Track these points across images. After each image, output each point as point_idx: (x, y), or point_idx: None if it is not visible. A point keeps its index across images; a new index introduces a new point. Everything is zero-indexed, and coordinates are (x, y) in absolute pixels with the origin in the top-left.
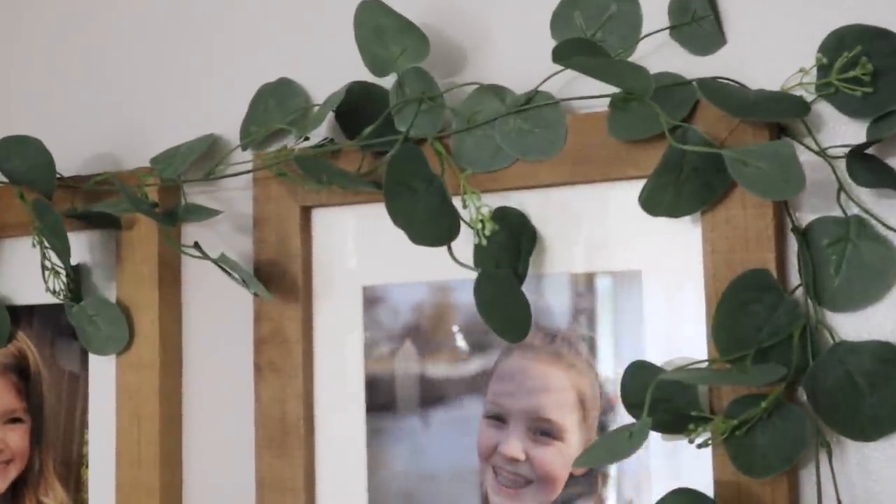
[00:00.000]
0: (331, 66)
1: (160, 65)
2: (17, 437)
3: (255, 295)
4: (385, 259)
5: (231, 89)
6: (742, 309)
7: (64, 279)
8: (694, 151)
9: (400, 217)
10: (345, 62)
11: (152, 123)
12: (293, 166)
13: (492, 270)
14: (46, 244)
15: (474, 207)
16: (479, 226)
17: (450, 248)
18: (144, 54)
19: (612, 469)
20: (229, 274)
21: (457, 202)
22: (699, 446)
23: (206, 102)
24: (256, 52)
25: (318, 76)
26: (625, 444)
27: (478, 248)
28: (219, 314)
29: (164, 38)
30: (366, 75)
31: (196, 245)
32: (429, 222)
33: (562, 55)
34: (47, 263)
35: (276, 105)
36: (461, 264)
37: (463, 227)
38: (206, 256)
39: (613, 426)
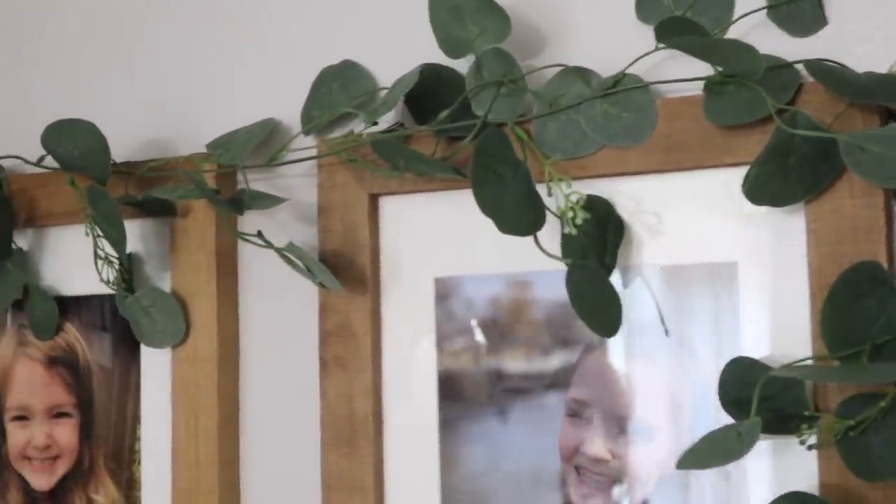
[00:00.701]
0: (395, 47)
1: (214, 46)
2: (65, 433)
3: (321, 286)
4: (458, 250)
5: (289, 72)
6: (852, 304)
7: (117, 269)
8: (803, 137)
9: (487, 204)
10: (409, 43)
11: (204, 107)
12: (362, 152)
13: (582, 262)
14: (99, 233)
15: (562, 195)
16: (570, 214)
17: (536, 238)
18: (198, 36)
19: (705, 470)
20: (292, 264)
21: (538, 189)
22: (810, 447)
23: (262, 86)
24: (315, 33)
25: (382, 58)
26: (734, 444)
27: (566, 238)
28: (277, 306)
29: (218, 18)
30: (433, 57)
31: (259, 234)
32: (516, 210)
33: (665, 34)
34: (100, 253)
35: (340, 88)
36: (549, 255)
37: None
38: (270, 245)
39: (706, 425)
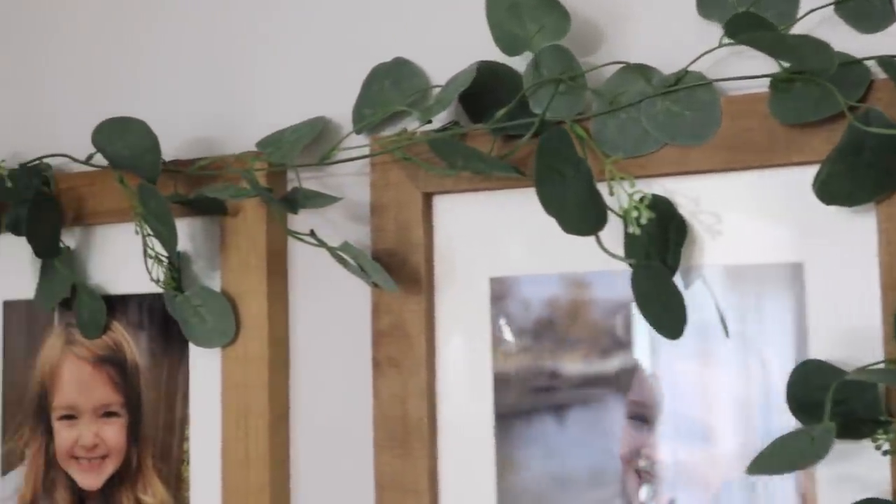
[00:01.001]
0: (447, 45)
1: (262, 44)
2: (113, 432)
3: (374, 286)
4: (514, 249)
5: (338, 70)
6: None
7: (167, 268)
8: (875, 135)
9: (550, 204)
10: (461, 41)
11: (251, 106)
12: (416, 150)
13: (647, 262)
14: (149, 231)
15: (625, 194)
16: (634, 213)
17: (598, 238)
18: (246, 33)
19: (768, 478)
20: (345, 264)
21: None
22: (885, 453)
23: (310, 84)
24: (365, 30)
25: (433, 56)
26: (808, 449)
27: (630, 238)
28: (328, 306)
29: (266, 16)
30: (485, 54)
31: (312, 233)
32: (578, 210)
33: (735, 30)
34: (149, 251)
35: (393, 86)
36: (612, 255)
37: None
38: (324, 245)
39: (774, 430)
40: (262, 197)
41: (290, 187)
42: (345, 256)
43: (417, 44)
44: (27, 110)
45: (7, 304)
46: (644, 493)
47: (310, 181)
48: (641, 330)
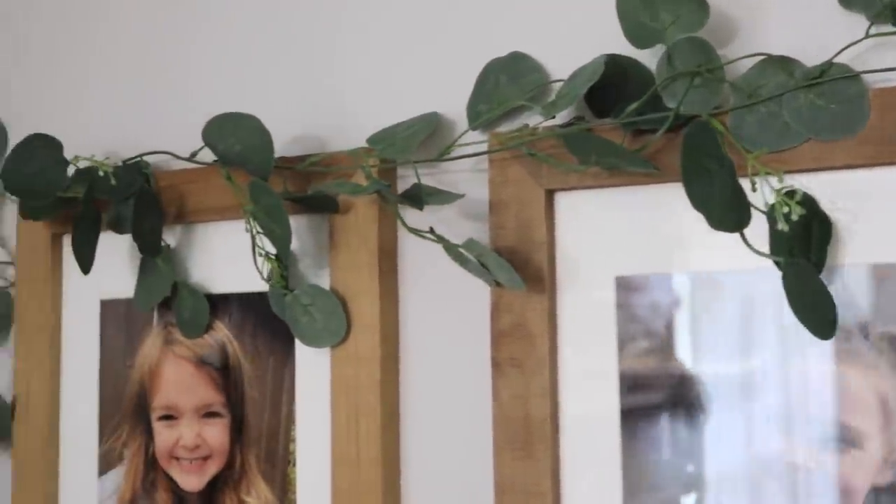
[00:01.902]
0: (564, 39)
1: (370, 39)
2: (215, 433)
3: (496, 284)
4: (640, 247)
5: (447, 65)
6: None
7: (276, 266)
8: None
9: (698, 200)
10: (578, 34)
11: (358, 103)
12: (538, 146)
13: (795, 260)
14: (258, 229)
15: (772, 190)
16: (784, 209)
17: (743, 235)
18: (354, 28)
19: None
20: (463, 262)
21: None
22: None
23: (419, 80)
24: (477, 25)
25: (550, 51)
26: None
27: (776, 235)
28: (439, 305)
29: (374, 13)
30: (605, 48)
31: (431, 230)
32: (724, 206)
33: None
34: (258, 249)
35: (510, 82)
36: (758, 252)
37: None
38: (445, 242)
39: None
40: (383, 193)
41: (400, 184)
42: (466, 254)
43: (533, 38)
44: (128, 108)
45: (104, 303)
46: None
47: (424, 178)
48: (776, 330)
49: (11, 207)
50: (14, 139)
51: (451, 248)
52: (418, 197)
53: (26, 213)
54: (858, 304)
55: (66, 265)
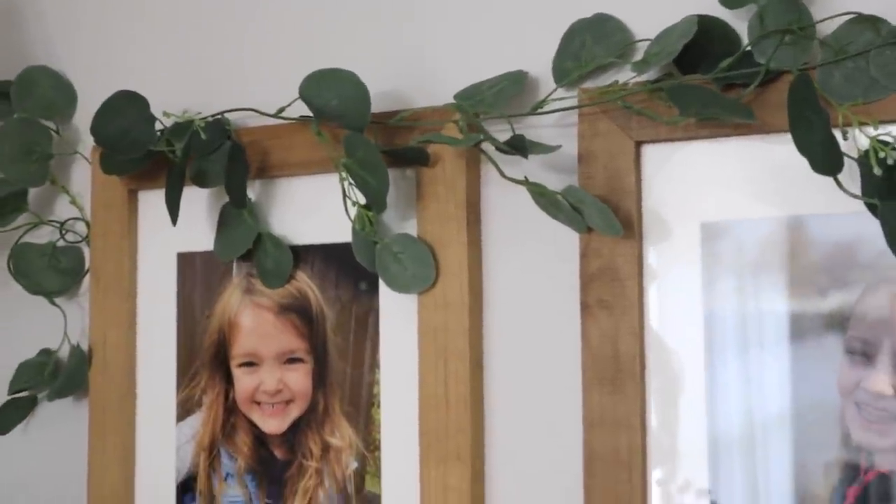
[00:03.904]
0: (645, 1)
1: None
2: (297, 378)
3: (588, 230)
4: (725, 195)
5: (529, 25)
6: None
7: (367, 217)
8: None
9: (804, 146)
10: None
11: (441, 60)
12: (630, 100)
13: (889, 202)
14: (351, 181)
15: (865, 138)
16: (881, 154)
17: (837, 180)
18: None
19: None
20: (556, 210)
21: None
22: None
23: (501, 39)
24: None
25: (633, 12)
26: None
27: (869, 180)
28: (523, 253)
29: None
30: (689, 9)
31: (526, 179)
32: (823, 151)
33: None
34: (350, 200)
35: (596, 42)
36: (853, 195)
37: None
38: (544, 190)
39: None
40: (491, 143)
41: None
42: (562, 201)
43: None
44: (204, 66)
45: (181, 255)
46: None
47: (506, 133)
48: (861, 269)
49: (79, 164)
50: (85, 98)
51: (547, 195)
52: (523, 146)
53: (110, 168)
54: None
55: (142, 219)
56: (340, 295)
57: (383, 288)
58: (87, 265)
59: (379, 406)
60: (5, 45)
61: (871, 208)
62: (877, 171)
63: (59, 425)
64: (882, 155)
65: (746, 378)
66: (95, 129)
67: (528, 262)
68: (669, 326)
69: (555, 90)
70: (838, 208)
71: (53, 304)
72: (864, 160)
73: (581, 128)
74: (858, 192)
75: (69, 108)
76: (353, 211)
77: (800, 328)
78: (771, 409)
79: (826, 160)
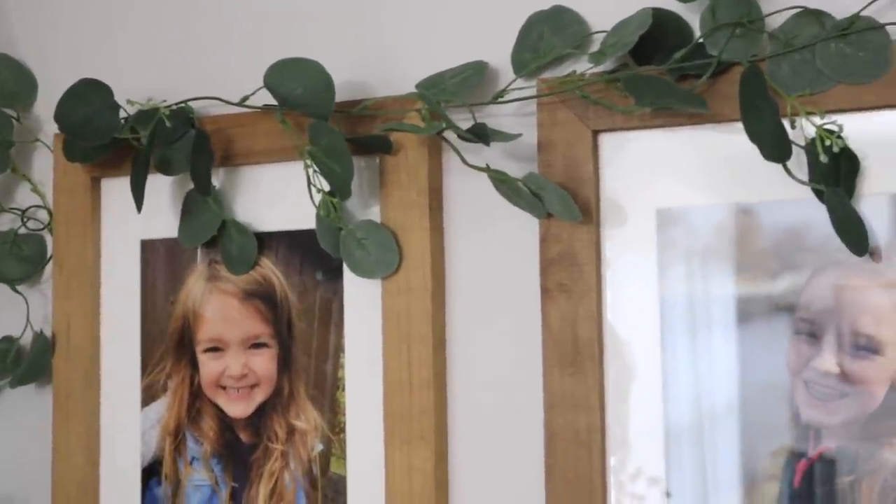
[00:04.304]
0: None
1: None
2: (262, 362)
3: (548, 216)
4: (679, 183)
5: (489, 17)
6: None
7: (331, 204)
8: None
9: (754, 134)
10: None
11: (404, 50)
12: (586, 90)
13: (835, 188)
14: (316, 168)
15: (812, 127)
16: (827, 142)
17: (786, 166)
18: None
19: None
20: (517, 196)
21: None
22: None
23: (462, 30)
24: None
25: (588, 4)
26: None
27: (816, 167)
28: (484, 238)
29: None
30: (645, 2)
31: (487, 167)
32: (773, 139)
33: None
34: (315, 187)
35: (553, 33)
36: (801, 182)
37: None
38: (504, 176)
39: None
40: (453, 130)
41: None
42: (522, 187)
43: None
44: (167, 56)
45: (145, 242)
46: (844, 403)
47: (468, 122)
48: (809, 253)
49: (41, 152)
50: (46, 87)
51: (508, 182)
52: (485, 134)
53: (74, 156)
54: (879, 228)
55: (105, 207)
56: (305, 281)
57: (347, 273)
58: (49, 253)
59: (344, 389)
60: None
61: (818, 194)
62: (823, 158)
63: (23, 413)
64: (828, 143)
65: (700, 359)
66: (59, 117)
67: (490, 247)
68: (626, 310)
69: (514, 80)
70: (787, 195)
71: (15, 291)
72: (811, 148)
73: (540, 117)
74: (806, 178)
75: (30, 97)
76: (317, 198)
77: (751, 311)
78: (724, 387)
79: (775, 148)
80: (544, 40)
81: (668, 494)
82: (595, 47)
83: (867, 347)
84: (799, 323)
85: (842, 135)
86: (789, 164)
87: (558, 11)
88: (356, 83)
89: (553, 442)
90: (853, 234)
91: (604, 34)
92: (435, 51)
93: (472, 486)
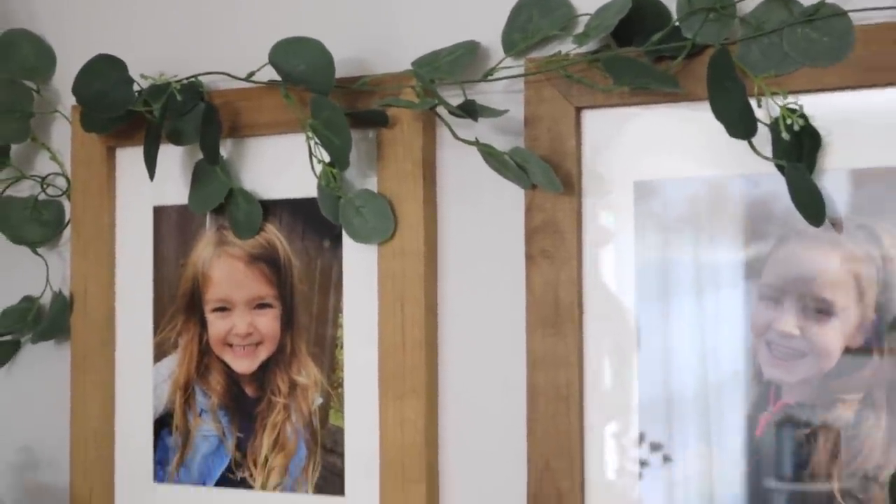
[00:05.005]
0: None
1: None
2: (266, 322)
3: (532, 187)
4: (656, 157)
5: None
6: None
7: (331, 174)
8: None
9: (721, 112)
10: None
11: (398, 29)
12: (570, 69)
13: (796, 164)
14: (317, 140)
15: (777, 106)
16: (788, 121)
17: (751, 143)
18: None
19: (883, 343)
20: (504, 168)
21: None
22: None
23: (454, 12)
24: None
25: None
26: None
27: (779, 143)
28: (472, 209)
29: None
30: None
31: (477, 140)
32: (739, 118)
33: None
34: (316, 159)
35: (541, 15)
36: (764, 157)
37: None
38: (492, 150)
39: (891, 306)
40: (444, 106)
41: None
42: (509, 160)
43: None
44: (178, 32)
45: (157, 209)
46: (803, 362)
47: (459, 98)
48: (774, 223)
49: (59, 123)
50: (64, 61)
51: (495, 155)
52: (473, 110)
53: (90, 127)
54: (839, 201)
55: (120, 175)
56: (307, 246)
57: (346, 239)
58: (67, 218)
59: (342, 348)
60: None
61: (780, 169)
62: (785, 136)
63: (42, 367)
64: (789, 122)
65: (672, 321)
66: (77, 90)
67: (479, 215)
68: (605, 275)
69: (503, 59)
70: (755, 169)
71: (36, 253)
72: (774, 126)
73: (527, 94)
74: (771, 154)
75: (49, 70)
76: (318, 168)
77: (721, 276)
78: (694, 347)
79: (741, 125)
80: (533, 22)
81: (640, 438)
82: (580, 29)
83: (825, 311)
84: (763, 288)
85: (803, 114)
86: (758, 141)
87: None
88: (356, 60)
89: (535, 397)
90: (811, 206)
91: (588, 17)
92: (431, 30)
93: (460, 438)
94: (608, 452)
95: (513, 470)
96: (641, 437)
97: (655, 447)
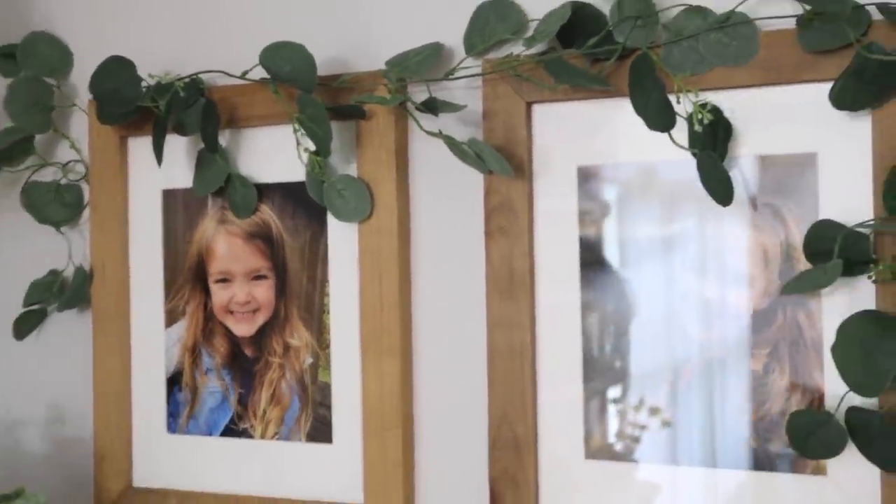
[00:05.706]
0: None
1: None
2: (262, 291)
3: (489, 173)
4: (596, 145)
5: (444, 6)
6: None
7: (316, 160)
8: (876, 60)
9: (640, 108)
10: None
11: (370, 30)
12: (521, 69)
13: (707, 152)
14: (303, 131)
15: (691, 102)
16: (699, 116)
17: (670, 135)
18: None
19: (786, 305)
20: (465, 156)
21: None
22: (874, 282)
23: (422, 16)
24: None
25: None
26: (822, 278)
27: (693, 135)
28: (440, 192)
29: None
30: None
31: (440, 132)
32: (658, 113)
33: None
34: (302, 147)
35: (498, 20)
36: (680, 146)
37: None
38: (453, 140)
39: (791, 273)
40: (408, 102)
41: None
42: (468, 149)
43: None
44: (179, 34)
45: (166, 192)
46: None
47: (425, 94)
48: (692, 203)
49: (77, 115)
50: (80, 58)
51: (456, 145)
52: (434, 106)
53: (105, 119)
54: (748, 182)
55: (132, 162)
56: (297, 224)
57: (330, 218)
58: (86, 200)
59: (329, 313)
60: (12, 13)
61: (695, 157)
62: (697, 128)
63: (67, 332)
64: (700, 116)
65: (608, 289)
66: (93, 87)
67: (445, 197)
68: (552, 248)
69: (463, 60)
70: (680, 156)
71: (59, 231)
72: (689, 119)
73: (485, 91)
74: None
75: (67, 68)
76: (304, 156)
77: (651, 249)
78: (628, 311)
79: (660, 120)
80: (490, 26)
81: (584, 388)
82: (530, 34)
83: (739, 278)
84: (687, 260)
85: (712, 108)
86: (681, 131)
87: (502, 2)
88: (336, 59)
89: (494, 355)
90: (719, 189)
91: (536, 22)
92: (402, 33)
93: (432, 390)
94: (557, 401)
95: (476, 417)
96: (586, 388)
97: (597, 393)
